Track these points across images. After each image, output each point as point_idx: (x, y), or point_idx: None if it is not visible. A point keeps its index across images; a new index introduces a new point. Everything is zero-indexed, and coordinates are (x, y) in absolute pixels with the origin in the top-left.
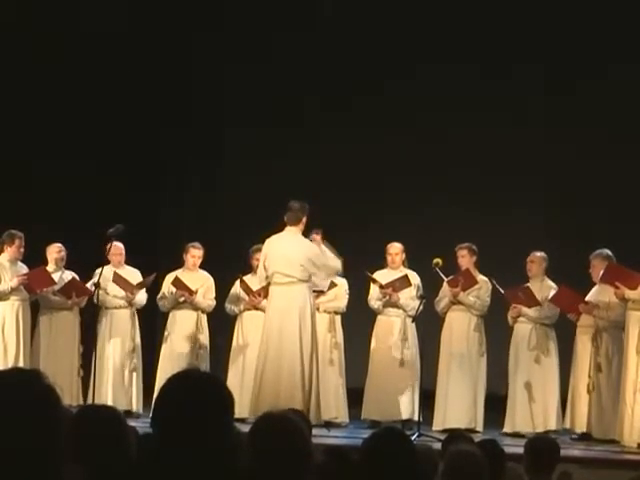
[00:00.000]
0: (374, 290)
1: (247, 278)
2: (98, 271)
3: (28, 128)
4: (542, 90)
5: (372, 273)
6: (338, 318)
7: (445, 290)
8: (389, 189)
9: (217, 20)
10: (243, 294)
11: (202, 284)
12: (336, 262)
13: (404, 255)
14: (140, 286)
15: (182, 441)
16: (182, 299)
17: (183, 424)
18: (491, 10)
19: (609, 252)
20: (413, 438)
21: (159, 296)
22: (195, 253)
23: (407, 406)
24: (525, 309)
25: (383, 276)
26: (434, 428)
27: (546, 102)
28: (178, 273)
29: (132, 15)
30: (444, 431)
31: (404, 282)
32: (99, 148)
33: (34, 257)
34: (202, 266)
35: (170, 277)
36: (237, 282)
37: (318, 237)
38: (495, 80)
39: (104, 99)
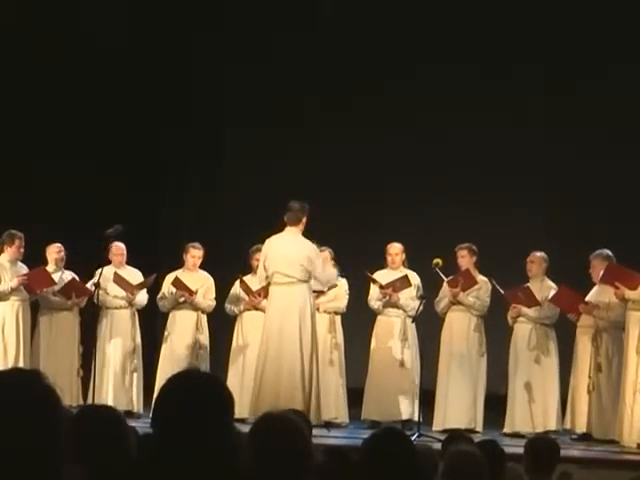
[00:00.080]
0: (374, 290)
1: (247, 278)
2: (99, 271)
3: (28, 128)
4: (542, 90)
5: (372, 273)
6: (338, 318)
7: (445, 290)
8: (389, 189)
9: (217, 20)
10: (243, 294)
11: (202, 284)
12: (333, 273)
13: (404, 255)
14: (140, 286)
15: (182, 441)
16: (182, 299)
17: (183, 424)
18: (491, 10)
19: (609, 252)
20: (413, 438)
21: (159, 296)
22: (195, 253)
23: (407, 406)
24: (525, 309)
25: (383, 276)
26: (434, 428)
27: (546, 102)
28: (178, 273)
29: (132, 15)
30: (444, 431)
31: (404, 282)
32: (99, 148)
33: (34, 257)
34: (202, 266)
35: (170, 277)
36: (237, 282)
37: (326, 253)
38: (495, 80)
39: (104, 99)
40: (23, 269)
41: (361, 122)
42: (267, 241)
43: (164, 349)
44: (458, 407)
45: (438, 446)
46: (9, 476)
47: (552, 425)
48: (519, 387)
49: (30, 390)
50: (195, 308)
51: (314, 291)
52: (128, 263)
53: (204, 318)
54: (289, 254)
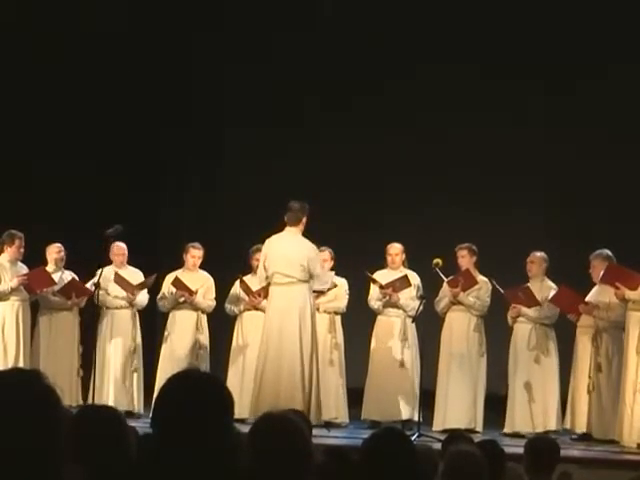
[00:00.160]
0: (374, 290)
1: (247, 278)
2: (99, 271)
3: (28, 128)
4: (542, 90)
5: (372, 273)
6: (338, 318)
7: (445, 290)
8: (389, 189)
9: (217, 20)
10: (243, 294)
11: (202, 284)
12: (331, 275)
13: (404, 255)
14: (141, 287)
15: (182, 441)
16: (182, 299)
17: (183, 424)
18: (491, 10)
19: (609, 252)
20: (413, 438)
21: (159, 296)
22: (195, 253)
23: (407, 406)
24: (525, 309)
25: (383, 276)
26: (434, 428)
27: (546, 102)
28: (178, 273)
29: (132, 15)
30: (444, 431)
31: (404, 282)
32: (99, 148)
33: (34, 257)
34: (202, 266)
35: (170, 277)
36: (237, 282)
37: (326, 253)
38: (495, 80)
39: (104, 99)
40: (23, 269)
41: (361, 122)
42: (267, 241)
43: (164, 349)
44: (458, 407)
45: (438, 446)
46: (9, 476)
47: (552, 425)
48: (519, 387)
49: (30, 390)
50: (195, 308)
51: (314, 291)
52: (128, 263)
53: (204, 318)
54: (289, 254)
